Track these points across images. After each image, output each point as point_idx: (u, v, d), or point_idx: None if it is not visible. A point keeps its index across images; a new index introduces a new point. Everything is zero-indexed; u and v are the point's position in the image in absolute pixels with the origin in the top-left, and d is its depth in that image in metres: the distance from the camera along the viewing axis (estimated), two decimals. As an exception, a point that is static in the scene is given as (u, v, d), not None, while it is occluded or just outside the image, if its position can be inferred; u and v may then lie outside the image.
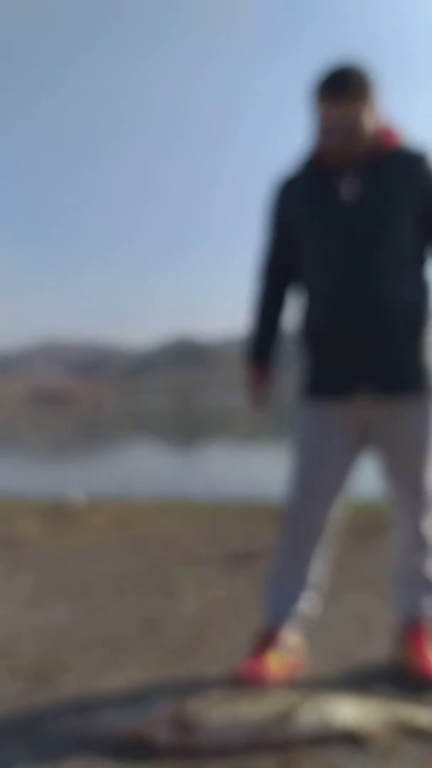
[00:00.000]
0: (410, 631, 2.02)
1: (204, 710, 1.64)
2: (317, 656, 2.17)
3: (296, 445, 2.08)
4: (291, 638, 2.07)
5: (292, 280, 2.12)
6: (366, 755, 1.54)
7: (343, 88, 1.83)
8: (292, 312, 2.17)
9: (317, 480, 2.02)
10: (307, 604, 2.10)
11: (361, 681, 1.96)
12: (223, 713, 1.63)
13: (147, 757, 1.58)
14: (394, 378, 1.91)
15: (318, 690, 1.81)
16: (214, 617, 2.65)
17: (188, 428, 34.32)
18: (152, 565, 3.59)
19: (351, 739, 1.60)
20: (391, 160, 1.92)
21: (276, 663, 1.99)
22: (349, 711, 1.65)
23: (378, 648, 2.22)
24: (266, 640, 2.04)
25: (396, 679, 1.96)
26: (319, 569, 2.10)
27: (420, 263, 1.97)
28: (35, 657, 2.30)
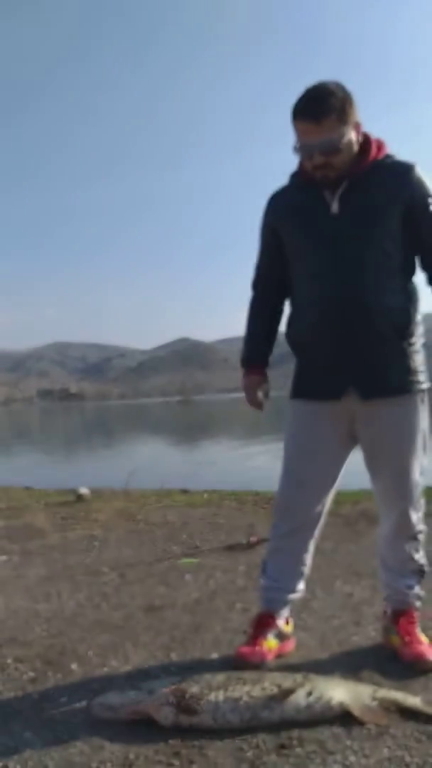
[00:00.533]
0: (398, 617, 2.03)
1: (204, 693, 1.65)
2: (312, 641, 2.19)
3: (288, 442, 2.10)
4: (285, 623, 2.11)
5: (285, 289, 2.11)
6: (356, 737, 1.55)
7: (318, 111, 1.80)
8: (285, 317, 2.17)
9: (307, 476, 2.04)
10: (300, 591, 2.13)
11: (353, 665, 1.97)
12: (222, 696, 1.64)
13: (150, 738, 1.59)
14: (380, 382, 1.91)
15: (313, 674, 1.81)
16: (214, 605, 2.66)
17: (189, 423, 34.29)
18: (155, 555, 3.59)
19: (343, 721, 1.60)
20: (378, 171, 1.90)
21: (271, 646, 2.02)
22: (341, 693, 1.66)
23: (370, 634, 2.23)
24: (262, 624, 2.06)
25: (386, 663, 1.97)
26: (311, 558, 2.12)
27: (408, 271, 1.96)
28: (44, 644, 2.31)
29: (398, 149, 1.95)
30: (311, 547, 2.11)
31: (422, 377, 1.96)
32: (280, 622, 2.08)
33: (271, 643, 2.03)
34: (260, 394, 2.19)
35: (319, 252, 1.92)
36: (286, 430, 2.11)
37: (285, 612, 2.11)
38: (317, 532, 2.11)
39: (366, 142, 1.93)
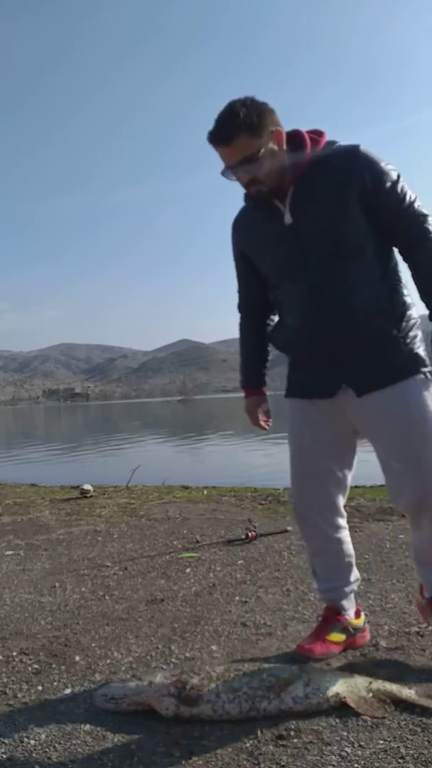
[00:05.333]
0: None
1: (204, 684, 1.63)
2: (308, 634, 2.16)
3: (290, 442, 2.02)
4: (355, 617, 2.04)
5: (270, 306, 2.06)
6: (352, 728, 1.53)
7: (226, 134, 1.71)
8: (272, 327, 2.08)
9: (311, 474, 1.95)
10: (355, 581, 2.05)
11: (349, 657, 1.95)
12: (222, 687, 1.62)
13: (152, 728, 1.57)
14: (373, 375, 1.79)
15: (309, 665, 1.79)
16: (213, 598, 2.64)
17: (189, 421, 34.28)
18: (157, 549, 3.57)
19: (339, 712, 1.58)
20: (322, 164, 1.76)
21: (337, 639, 1.97)
22: (338, 685, 1.64)
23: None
24: (326, 620, 2.02)
25: (381, 654, 1.95)
26: (350, 545, 2.03)
27: (384, 256, 1.80)
28: (48, 636, 2.29)
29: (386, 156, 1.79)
30: (344, 535, 2.01)
31: (420, 359, 1.80)
32: (347, 617, 2.01)
33: (336, 636, 1.97)
34: (263, 413, 2.14)
35: (288, 264, 1.83)
36: (288, 433, 2.03)
37: (349, 604, 2.03)
38: (343, 521, 2.01)
39: (298, 139, 1.78)
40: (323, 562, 2.03)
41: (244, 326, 2.18)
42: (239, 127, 1.69)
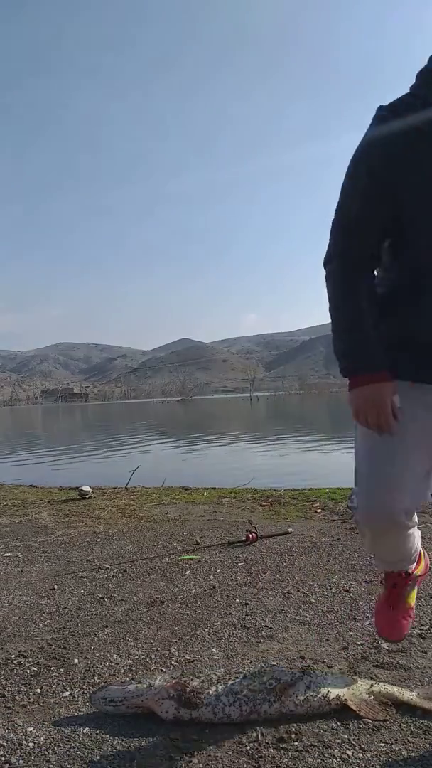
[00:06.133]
0: None
1: (205, 687, 1.63)
2: (310, 636, 2.17)
3: (372, 442, 1.43)
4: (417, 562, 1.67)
5: (378, 260, 1.45)
6: (353, 731, 1.53)
7: None
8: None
9: (395, 475, 1.38)
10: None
11: (350, 660, 1.95)
12: (222, 690, 1.62)
13: (151, 731, 1.58)
14: None
15: (310, 668, 1.80)
16: (213, 600, 2.65)
17: (190, 422, 34.29)
18: (156, 551, 3.58)
19: (341, 715, 1.59)
20: None
21: (413, 600, 1.71)
22: (339, 688, 1.65)
23: (366, 628, 2.21)
24: (394, 587, 1.67)
25: (383, 657, 1.95)
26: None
27: None
28: (47, 639, 2.29)
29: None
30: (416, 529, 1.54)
31: None
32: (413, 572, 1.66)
33: (412, 597, 1.70)
34: (392, 410, 1.39)
35: None
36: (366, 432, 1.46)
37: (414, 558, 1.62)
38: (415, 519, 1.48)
39: None
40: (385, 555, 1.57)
41: (351, 283, 1.42)
42: None
